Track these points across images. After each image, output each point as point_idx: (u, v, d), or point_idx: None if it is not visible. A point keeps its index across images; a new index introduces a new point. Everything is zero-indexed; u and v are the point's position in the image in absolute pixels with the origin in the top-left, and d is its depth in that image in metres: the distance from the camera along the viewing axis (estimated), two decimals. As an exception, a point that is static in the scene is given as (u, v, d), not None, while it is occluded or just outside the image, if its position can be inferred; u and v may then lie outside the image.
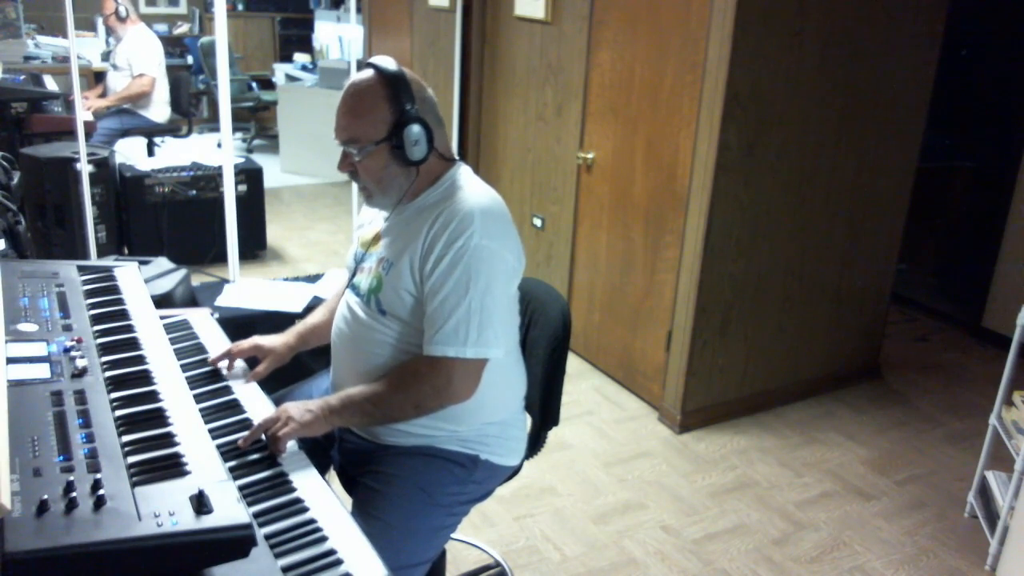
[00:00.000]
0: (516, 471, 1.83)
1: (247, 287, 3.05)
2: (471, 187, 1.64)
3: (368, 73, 1.58)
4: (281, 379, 1.89)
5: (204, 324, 1.94)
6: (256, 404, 1.63)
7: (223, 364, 1.75)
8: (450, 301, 1.54)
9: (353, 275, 1.74)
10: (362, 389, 1.60)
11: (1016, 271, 4.04)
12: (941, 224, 4.94)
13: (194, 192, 4.39)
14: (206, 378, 1.71)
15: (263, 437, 1.48)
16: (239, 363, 1.78)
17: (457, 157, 1.71)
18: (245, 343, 1.80)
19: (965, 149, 4.81)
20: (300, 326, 1.91)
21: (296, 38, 8.62)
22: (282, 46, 8.66)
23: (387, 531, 1.50)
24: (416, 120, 1.56)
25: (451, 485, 1.65)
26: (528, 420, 1.88)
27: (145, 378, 1.48)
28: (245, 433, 1.48)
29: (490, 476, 1.74)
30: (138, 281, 1.92)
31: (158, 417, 1.35)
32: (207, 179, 4.42)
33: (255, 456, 1.45)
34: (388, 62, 1.59)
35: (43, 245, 3.86)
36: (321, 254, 4.96)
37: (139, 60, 5.28)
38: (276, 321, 2.66)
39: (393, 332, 1.63)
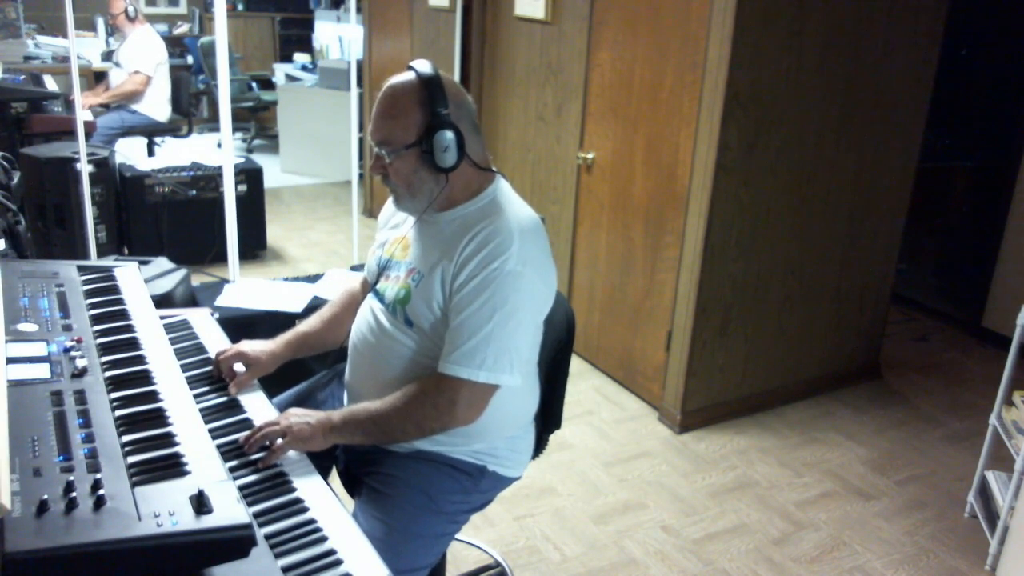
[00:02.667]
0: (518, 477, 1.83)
1: (247, 287, 3.04)
2: (512, 206, 1.61)
3: (407, 75, 1.56)
4: (281, 381, 1.88)
5: (204, 324, 1.94)
6: (256, 404, 1.63)
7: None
8: (473, 321, 1.51)
9: (376, 280, 1.72)
10: (366, 406, 1.58)
11: (1016, 271, 4.04)
12: (941, 224, 4.94)
13: (194, 192, 4.39)
14: (206, 378, 1.70)
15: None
16: (238, 366, 1.73)
17: (495, 168, 1.67)
18: (230, 351, 1.73)
19: (965, 149, 4.81)
20: (290, 334, 1.84)
21: (296, 38, 8.61)
22: (282, 46, 8.66)
23: (388, 533, 1.50)
24: (448, 126, 1.52)
25: (455, 493, 1.64)
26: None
27: (145, 378, 1.48)
28: (246, 433, 1.48)
29: (494, 486, 1.74)
30: (138, 281, 1.92)
31: (158, 417, 1.35)
32: (207, 179, 4.42)
33: (255, 456, 1.45)
34: (425, 65, 1.57)
35: (43, 245, 3.86)
36: (321, 254, 4.96)
37: (137, 58, 5.29)
38: (276, 321, 2.66)
39: (414, 343, 1.62)
